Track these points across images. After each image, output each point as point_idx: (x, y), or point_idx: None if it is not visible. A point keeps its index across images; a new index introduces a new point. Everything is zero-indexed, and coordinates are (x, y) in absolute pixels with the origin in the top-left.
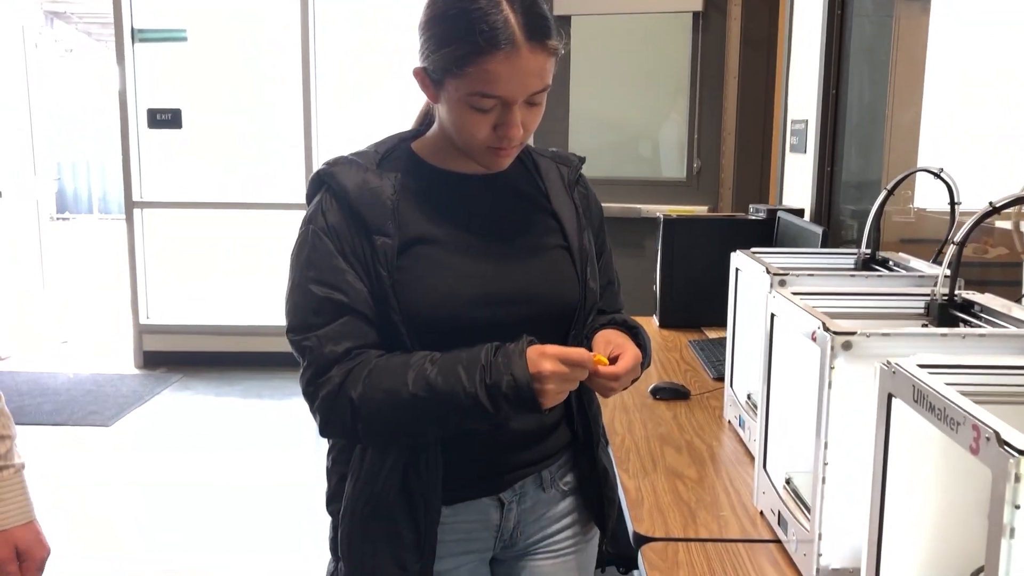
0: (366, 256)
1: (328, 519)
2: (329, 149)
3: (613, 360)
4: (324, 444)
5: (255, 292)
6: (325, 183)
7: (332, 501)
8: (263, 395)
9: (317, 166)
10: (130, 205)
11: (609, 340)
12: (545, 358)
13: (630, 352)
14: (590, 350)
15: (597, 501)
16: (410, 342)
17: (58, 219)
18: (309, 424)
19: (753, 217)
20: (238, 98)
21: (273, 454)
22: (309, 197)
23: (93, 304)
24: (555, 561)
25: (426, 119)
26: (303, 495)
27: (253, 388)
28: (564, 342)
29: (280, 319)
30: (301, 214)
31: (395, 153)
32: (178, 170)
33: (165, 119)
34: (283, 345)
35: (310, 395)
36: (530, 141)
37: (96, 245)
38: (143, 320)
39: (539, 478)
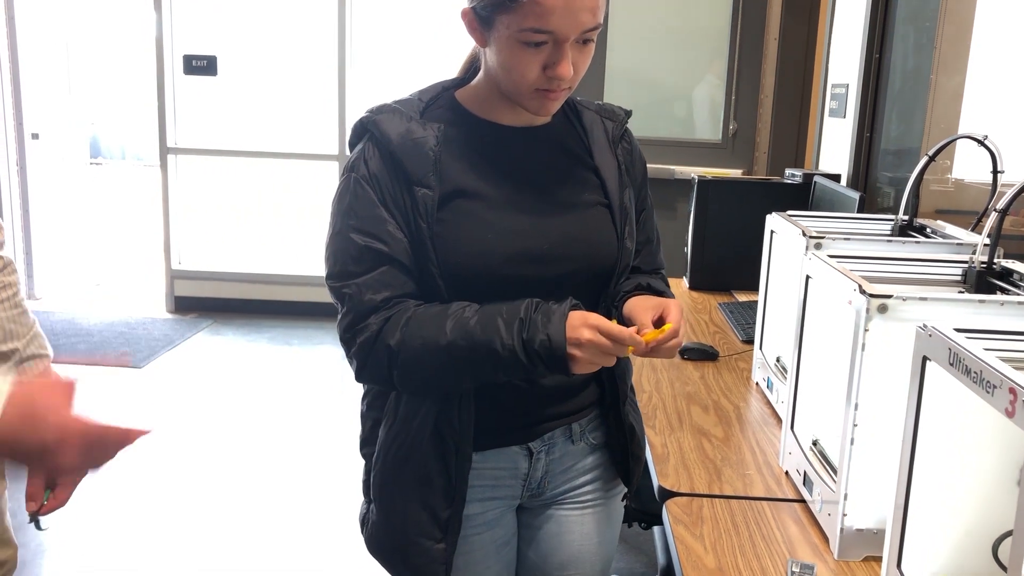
0: (406, 206)
1: (361, 462)
2: (363, 100)
3: (659, 323)
4: (351, 390)
5: (286, 241)
6: (368, 131)
7: (365, 445)
8: (291, 342)
9: (350, 117)
10: (164, 151)
11: (646, 307)
12: (586, 327)
13: (672, 307)
14: (620, 318)
15: (623, 457)
16: (447, 293)
17: (92, 164)
18: (337, 371)
19: (789, 181)
20: (273, 46)
21: (302, 400)
22: (352, 144)
23: (126, 249)
24: (580, 512)
25: (471, 67)
26: (331, 439)
27: (281, 335)
28: (597, 300)
29: (309, 268)
30: (334, 165)
31: (439, 102)
32: (212, 117)
33: (200, 66)
34: (312, 294)
35: (348, 341)
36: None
37: (129, 191)
38: (175, 265)
39: (568, 430)
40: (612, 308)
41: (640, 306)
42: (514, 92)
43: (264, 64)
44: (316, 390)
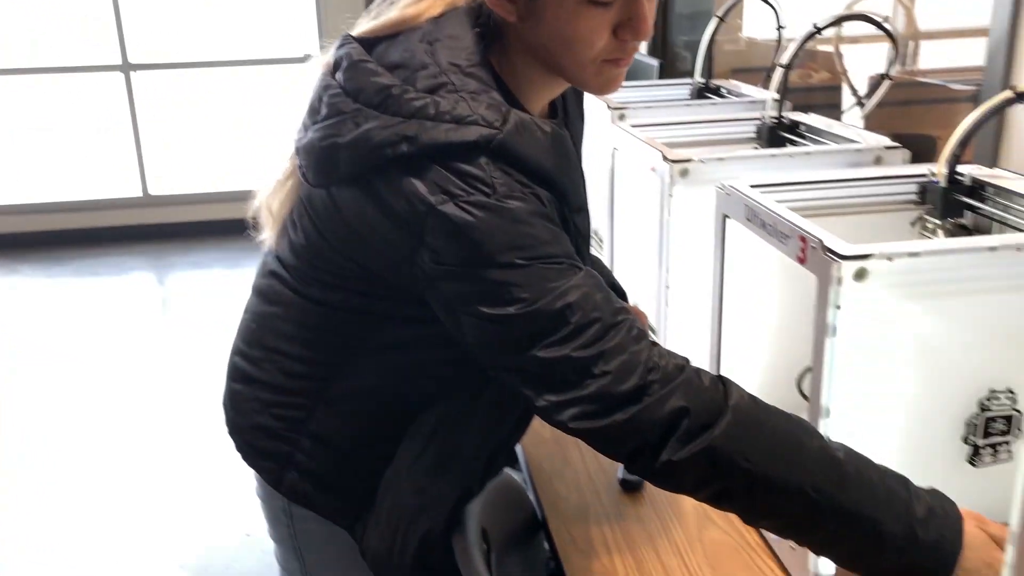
0: (568, 235)
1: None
2: None
3: None
4: (172, 318)
5: (80, 162)
6: (497, 149)
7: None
8: (99, 272)
9: (133, 21)
10: None
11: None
12: (994, 544)
13: (642, 319)
14: None
15: None
16: None
17: None
18: (153, 297)
19: None
20: None
21: (118, 332)
22: (461, 170)
23: None
24: None
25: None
26: (153, 369)
27: (87, 266)
28: None
29: (111, 190)
30: (116, 76)
31: (495, 85)
32: None
33: None
34: (116, 218)
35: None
36: None
37: None
38: None
39: None
40: None
41: None
42: (575, 70)
43: None
44: (132, 320)
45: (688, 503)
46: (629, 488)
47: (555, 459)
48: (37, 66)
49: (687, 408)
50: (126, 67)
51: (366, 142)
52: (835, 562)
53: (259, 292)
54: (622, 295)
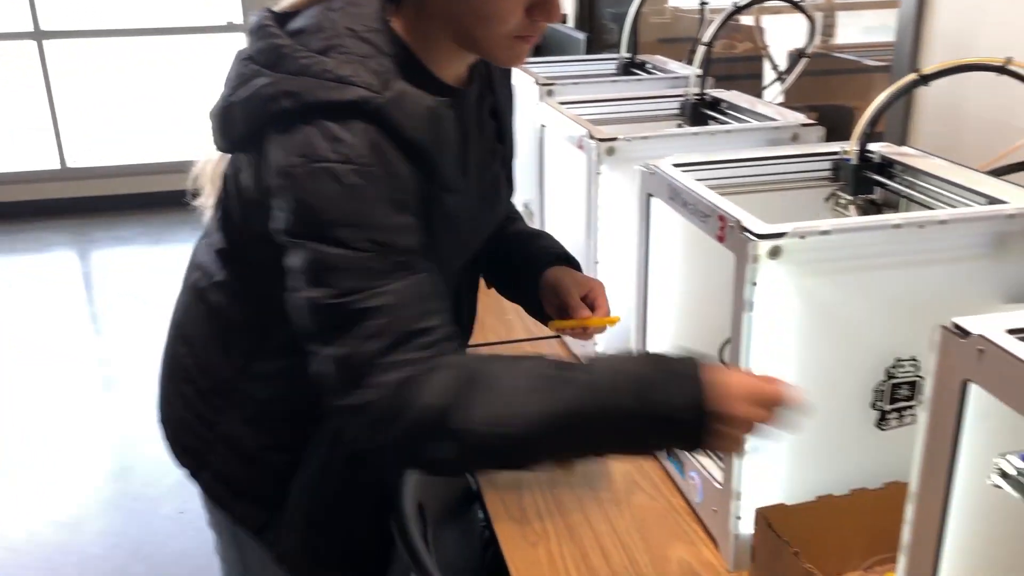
0: (428, 213)
1: None
2: None
3: (590, 303)
4: (97, 294)
5: None
6: (370, 115)
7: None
8: (17, 248)
9: None
10: None
11: (574, 283)
12: (735, 399)
13: (599, 290)
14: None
15: None
16: None
17: None
18: (77, 273)
19: None
20: None
21: (42, 311)
22: (320, 115)
23: None
24: None
25: None
26: (78, 349)
27: (5, 242)
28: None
29: (31, 163)
30: (30, 46)
31: (393, 51)
32: None
33: None
34: (38, 191)
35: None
36: None
37: None
38: None
39: None
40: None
41: (567, 283)
42: (486, 44)
43: None
44: (54, 297)
45: (616, 470)
46: None
47: None
48: None
49: (428, 414)
50: (38, 34)
51: (256, 98)
52: (619, 455)
53: (186, 286)
54: (575, 266)
